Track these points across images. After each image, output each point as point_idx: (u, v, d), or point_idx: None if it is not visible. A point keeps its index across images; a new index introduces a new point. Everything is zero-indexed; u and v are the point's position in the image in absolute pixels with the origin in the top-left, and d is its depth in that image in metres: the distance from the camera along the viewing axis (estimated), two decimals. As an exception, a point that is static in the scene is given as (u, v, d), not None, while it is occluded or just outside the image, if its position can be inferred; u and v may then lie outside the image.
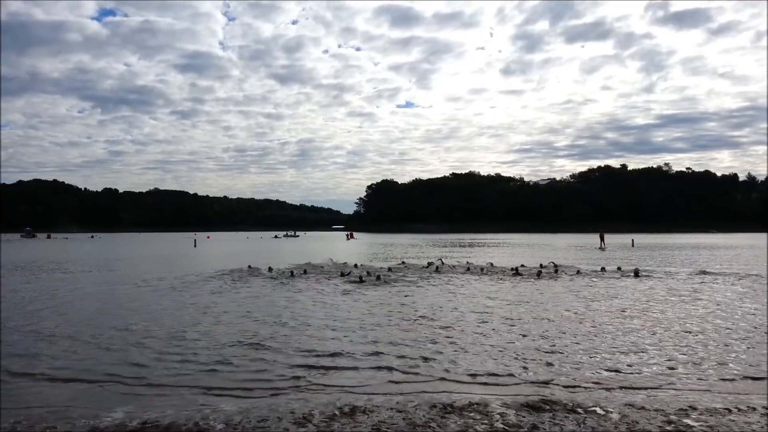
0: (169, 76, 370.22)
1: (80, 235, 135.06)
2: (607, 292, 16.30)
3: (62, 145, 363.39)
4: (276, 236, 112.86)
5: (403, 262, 29.21)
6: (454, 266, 25.64)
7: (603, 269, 23.43)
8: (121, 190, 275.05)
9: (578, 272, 22.29)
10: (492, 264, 26.00)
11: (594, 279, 20.16)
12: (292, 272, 22.50)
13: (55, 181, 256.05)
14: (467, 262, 26.92)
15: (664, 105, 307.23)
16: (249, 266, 25.26)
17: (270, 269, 23.77)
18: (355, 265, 26.59)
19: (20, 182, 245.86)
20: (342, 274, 21.93)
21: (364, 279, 20.16)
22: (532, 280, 19.88)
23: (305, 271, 23.22)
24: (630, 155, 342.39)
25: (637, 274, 21.42)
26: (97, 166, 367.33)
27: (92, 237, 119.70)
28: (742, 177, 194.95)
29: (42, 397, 6.65)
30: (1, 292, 16.68)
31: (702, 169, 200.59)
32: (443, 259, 28.26)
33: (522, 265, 24.52)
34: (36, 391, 6.86)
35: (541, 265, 24.32)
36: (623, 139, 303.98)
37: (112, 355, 8.62)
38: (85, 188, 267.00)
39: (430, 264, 26.20)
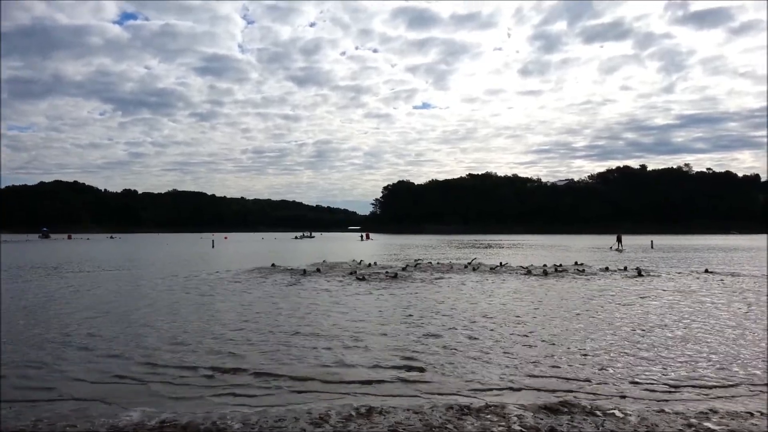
0: (189, 79, 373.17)
1: (100, 236, 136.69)
2: (614, 291, 16.28)
3: (84, 146, 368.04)
4: (296, 237, 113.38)
5: (417, 261, 29.88)
6: (465, 266, 26.37)
7: (607, 269, 24.13)
8: (140, 192, 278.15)
9: (583, 271, 23.00)
10: (502, 263, 26.60)
11: (598, 279, 20.56)
12: (304, 270, 23.12)
13: (75, 182, 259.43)
14: (475, 262, 27.06)
15: (684, 105, 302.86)
16: (273, 264, 26.64)
17: (292, 269, 24.48)
18: (368, 264, 27.54)
19: (41, 183, 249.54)
20: (352, 273, 22.48)
21: (371, 278, 20.43)
22: (540, 279, 20.15)
23: (318, 270, 23.93)
24: (650, 156, 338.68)
25: (639, 273, 21.95)
26: (118, 167, 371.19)
27: (111, 237, 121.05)
28: (764, 177, 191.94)
29: (60, 394, 6.73)
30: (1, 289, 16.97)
31: (723, 170, 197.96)
32: (474, 260, 28.67)
33: (531, 265, 25.53)
34: (54, 389, 6.94)
35: (545, 266, 25.01)
36: (643, 140, 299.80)
37: (129, 354, 8.71)
38: (105, 189, 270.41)
39: (468, 264, 26.95)
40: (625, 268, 23.99)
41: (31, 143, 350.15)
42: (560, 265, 25.37)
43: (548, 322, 11.41)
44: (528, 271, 23.02)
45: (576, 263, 26.94)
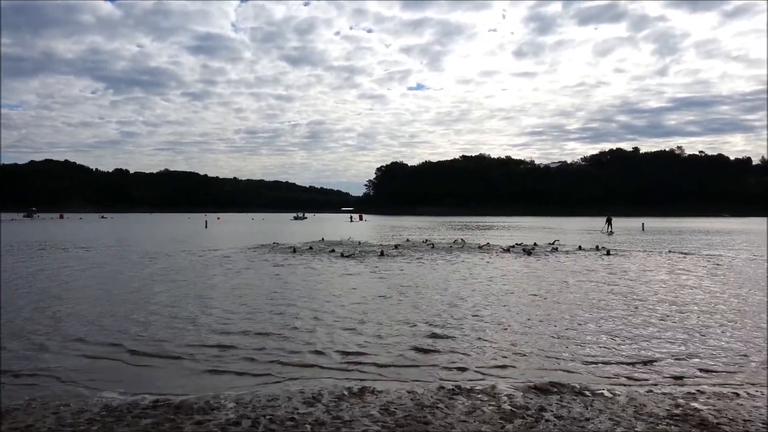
0: (182, 58, 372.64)
1: (91, 215, 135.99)
2: (589, 271, 16.58)
3: (75, 125, 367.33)
4: (295, 217, 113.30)
5: (407, 240, 31.96)
6: (451, 245, 27.75)
7: (580, 247, 25.62)
8: (132, 171, 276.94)
9: (556, 250, 24.51)
10: (489, 244, 28.16)
11: (572, 258, 21.53)
12: (294, 249, 23.67)
13: (66, 161, 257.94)
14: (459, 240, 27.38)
15: (677, 88, 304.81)
16: (274, 243, 28.36)
17: (292, 248, 25.26)
18: (359, 243, 28.81)
19: (32, 162, 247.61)
20: (341, 252, 23.10)
21: (362, 256, 20.83)
22: (522, 258, 20.64)
23: (311, 248, 24.80)
24: (642, 138, 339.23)
25: (608, 253, 23.12)
26: (110, 146, 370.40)
27: (103, 217, 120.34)
28: (755, 161, 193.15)
29: (52, 375, 6.74)
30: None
31: (715, 153, 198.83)
32: (461, 240, 29.37)
33: (516, 244, 27.21)
34: (45, 369, 6.95)
35: (526, 245, 26.44)
36: (635, 123, 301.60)
37: (118, 336, 8.71)
38: (97, 168, 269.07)
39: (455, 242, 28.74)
40: (597, 248, 25.42)
41: (22, 121, 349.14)
42: (535, 244, 27.01)
43: (533, 302, 11.50)
44: (510, 250, 24.40)
45: (551, 243, 28.43)
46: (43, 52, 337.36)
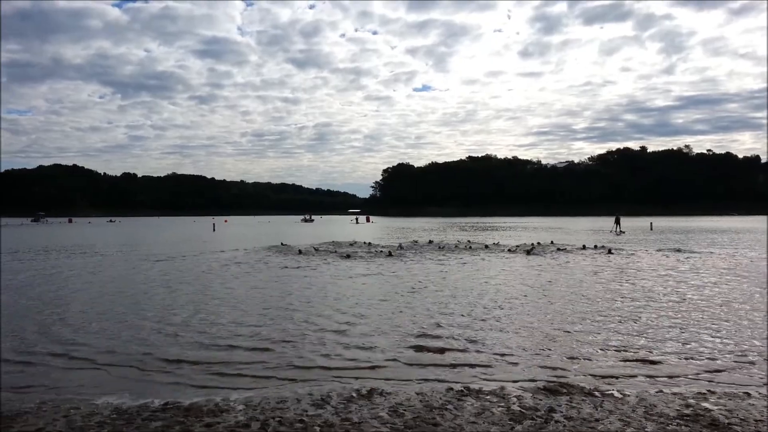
0: (188, 62, 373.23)
1: (99, 219, 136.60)
2: (595, 270, 16.51)
3: (84, 130, 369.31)
4: (303, 219, 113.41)
5: (415, 241, 32.05)
6: (457, 245, 28.17)
7: (584, 246, 25.75)
8: (140, 175, 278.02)
9: (558, 249, 24.60)
10: (495, 243, 28.94)
11: (575, 257, 21.67)
12: (300, 250, 23.79)
13: (74, 165, 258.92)
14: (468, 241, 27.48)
15: (684, 86, 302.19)
16: (282, 243, 29.09)
17: (298, 249, 25.44)
18: (369, 243, 29.07)
19: (40, 167, 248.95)
20: (338, 251, 23.69)
21: (370, 256, 20.69)
22: (525, 257, 21.07)
23: (316, 249, 25.25)
24: (650, 137, 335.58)
25: (610, 252, 23.29)
26: (118, 151, 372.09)
27: (111, 221, 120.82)
28: (763, 159, 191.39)
29: (61, 379, 6.79)
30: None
31: (723, 151, 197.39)
32: (466, 241, 29.49)
33: (524, 244, 27.73)
34: (56, 372, 7.00)
35: (519, 246, 26.73)
36: (643, 121, 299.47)
37: (127, 341, 8.76)
38: (104, 173, 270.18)
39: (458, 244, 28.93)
40: (595, 247, 25.77)
41: (31, 127, 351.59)
42: (539, 243, 27.51)
43: (538, 302, 11.48)
44: (515, 250, 24.62)
45: (552, 242, 28.86)
46: (51, 57, 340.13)
